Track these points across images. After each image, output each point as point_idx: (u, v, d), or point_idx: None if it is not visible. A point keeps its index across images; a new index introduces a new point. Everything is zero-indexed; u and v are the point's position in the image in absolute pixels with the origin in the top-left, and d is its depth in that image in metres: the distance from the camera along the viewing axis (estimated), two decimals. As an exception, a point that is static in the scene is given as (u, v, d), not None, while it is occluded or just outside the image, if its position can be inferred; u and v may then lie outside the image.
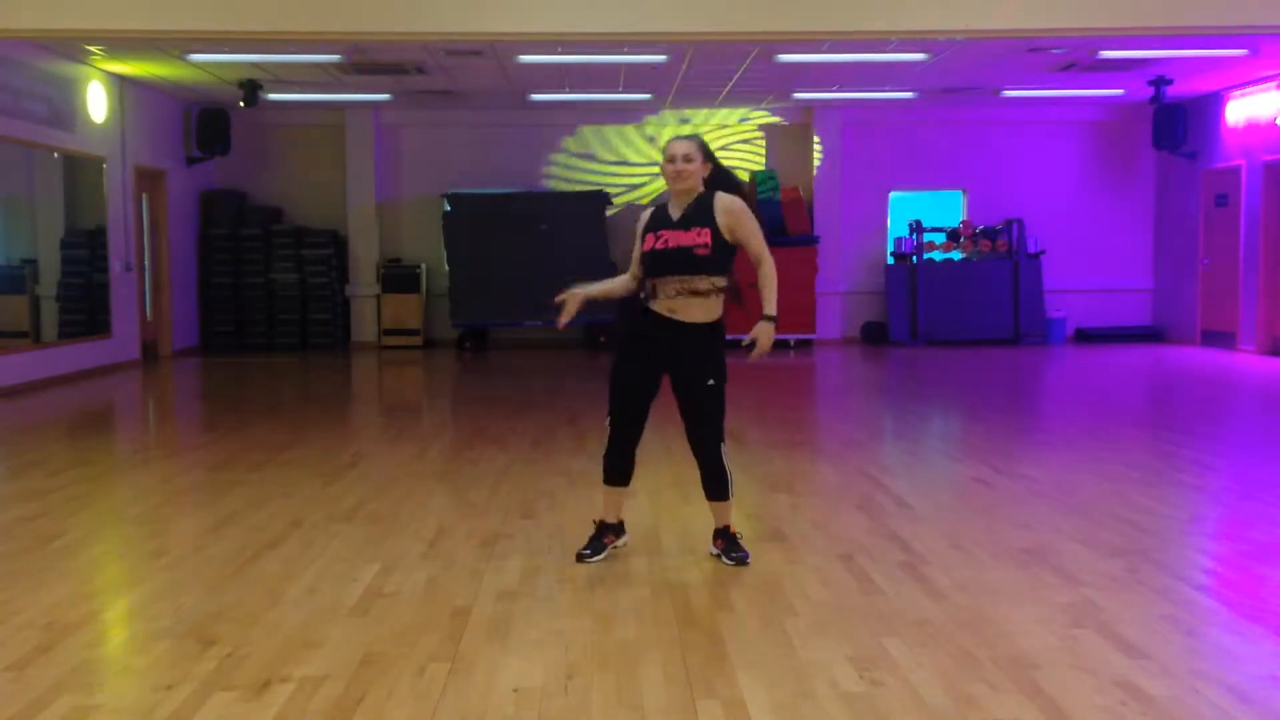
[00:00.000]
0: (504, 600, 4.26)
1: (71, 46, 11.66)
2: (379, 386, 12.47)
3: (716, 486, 4.70)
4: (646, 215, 4.71)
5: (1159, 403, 10.71)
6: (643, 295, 4.64)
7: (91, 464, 7.26)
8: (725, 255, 4.58)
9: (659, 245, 4.54)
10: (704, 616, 4.07)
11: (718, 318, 4.63)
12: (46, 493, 6.26)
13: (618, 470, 4.74)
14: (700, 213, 4.57)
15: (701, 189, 4.63)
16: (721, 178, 4.69)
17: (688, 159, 4.57)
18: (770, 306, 4.63)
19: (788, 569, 4.65)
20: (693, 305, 4.56)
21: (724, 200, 4.59)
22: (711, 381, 4.63)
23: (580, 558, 4.73)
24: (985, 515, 5.58)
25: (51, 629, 3.94)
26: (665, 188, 4.82)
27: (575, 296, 4.70)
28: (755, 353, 4.66)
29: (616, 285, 4.82)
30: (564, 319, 4.69)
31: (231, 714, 3.24)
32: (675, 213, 4.60)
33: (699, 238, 4.51)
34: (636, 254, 4.71)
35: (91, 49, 11.79)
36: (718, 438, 4.67)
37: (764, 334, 4.63)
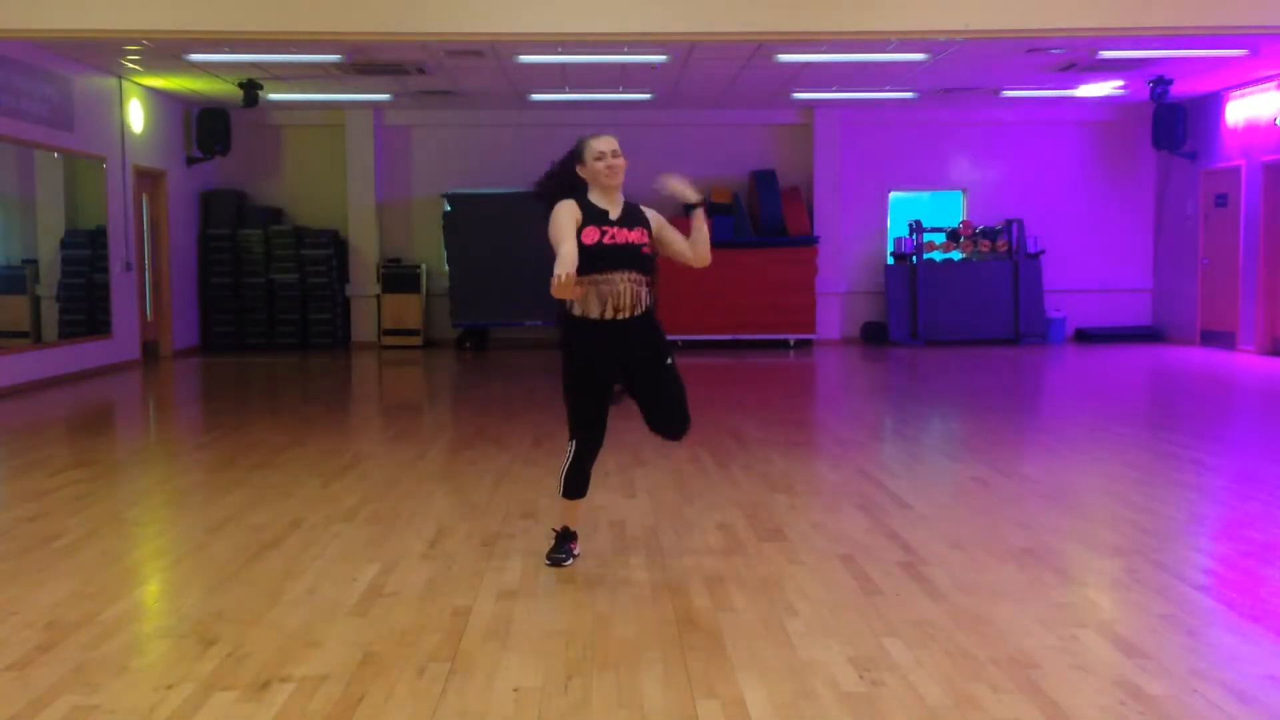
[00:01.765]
0: (504, 600, 4.26)
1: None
2: (379, 386, 12.47)
3: (683, 424, 4.74)
4: (574, 203, 4.53)
5: (1158, 403, 10.71)
6: (569, 303, 4.55)
7: (91, 464, 7.26)
8: (653, 258, 4.66)
9: (606, 240, 4.50)
10: (704, 616, 4.07)
11: (651, 305, 4.65)
12: (46, 493, 6.26)
13: (582, 484, 4.73)
14: (636, 216, 4.62)
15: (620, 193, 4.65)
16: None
17: (616, 154, 4.58)
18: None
19: (788, 569, 4.65)
20: (637, 299, 4.56)
21: (648, 210, 4.70)
22: (670, 360, 4.69)
23: (556, 562, 4.72)
24: (985, 515, 5.58)
25: (51, 629, 3.94)
26: None
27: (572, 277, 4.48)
28: (677, 185, 4.66)
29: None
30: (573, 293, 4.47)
31: (231, 714, 3.24)
32: (612, 210, 4.58)
33: (642, 237, 4.58)
34: (570, 231, 4.45)
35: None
36: (688, 419, 4.73)
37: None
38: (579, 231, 4.47)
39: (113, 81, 12.77)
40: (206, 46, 11.11)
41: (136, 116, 13.37)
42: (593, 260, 4.49)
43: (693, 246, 4.71)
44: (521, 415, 9.18)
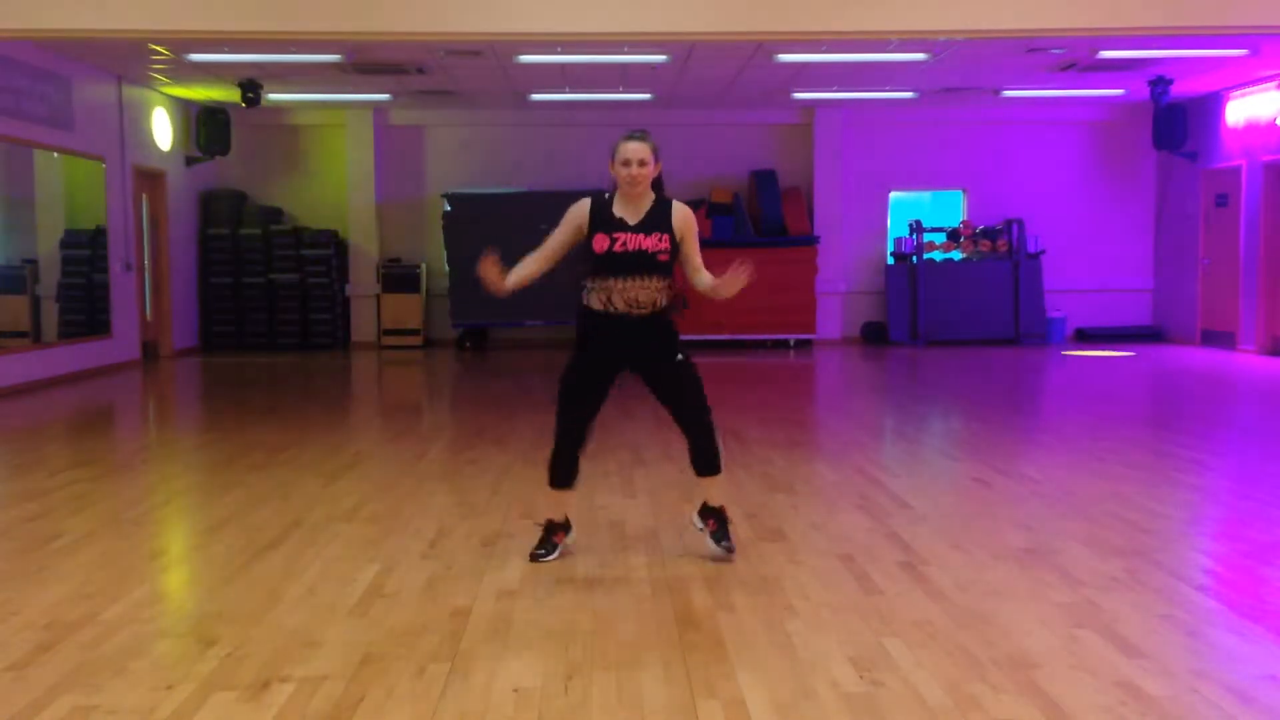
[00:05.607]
0: (504, 600, 4.26)
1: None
2: (379, 386, 12.47)
3: (710, 460, 4.70)
4: (585, 209, 4.61)
5: (1159, 402, 10.71)
6: (587, 297, 4.61)
7: (91, 464, 7.26)
8: (674, 260, 4.63)
9: (616, 248, 4.51)
10: (704, 616, 4.07)
11: (667, 304, 4.63)
12: (46, 493, 6.26)
13: (567, 474, 4.75)
14: (660, 219, 4.57)
15: (652, 194, 4.62)
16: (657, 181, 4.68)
17: (642, 163, 4.54)
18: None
19: (788, 569, 4.65)
20: (646, 303, 4.56)
21: (682, 210, 4.64)
22: (680, 356, 4.66)
23: (535, 558, 4.74)
24: (985, 515, 5.58)
25: (51, 629, 3.94)
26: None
27: (504, 280, 4.64)
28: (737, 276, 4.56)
29: (532, 268, 4.69)
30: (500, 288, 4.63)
31: (231, 714, 3.23)
32: (630, 215, 4.56)
33: (660, 243, 4.54)
34: (557, 241, 4.65)
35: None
36: (707, 409, 4.69)
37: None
38: (590, 238, 4.53)
39: (112, 81, 12.77)
40: (206, 46, 11.11)
41: (136, 116, 13.36)
42: (603, 268, 4.53)
43: (695, 275, 4.68)
44: (521, 415, 9.18)
